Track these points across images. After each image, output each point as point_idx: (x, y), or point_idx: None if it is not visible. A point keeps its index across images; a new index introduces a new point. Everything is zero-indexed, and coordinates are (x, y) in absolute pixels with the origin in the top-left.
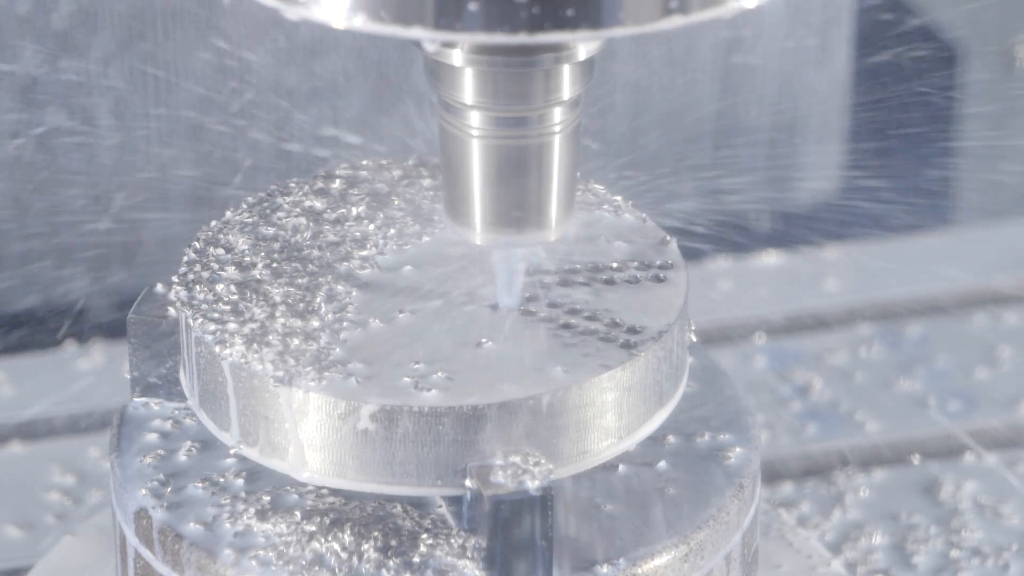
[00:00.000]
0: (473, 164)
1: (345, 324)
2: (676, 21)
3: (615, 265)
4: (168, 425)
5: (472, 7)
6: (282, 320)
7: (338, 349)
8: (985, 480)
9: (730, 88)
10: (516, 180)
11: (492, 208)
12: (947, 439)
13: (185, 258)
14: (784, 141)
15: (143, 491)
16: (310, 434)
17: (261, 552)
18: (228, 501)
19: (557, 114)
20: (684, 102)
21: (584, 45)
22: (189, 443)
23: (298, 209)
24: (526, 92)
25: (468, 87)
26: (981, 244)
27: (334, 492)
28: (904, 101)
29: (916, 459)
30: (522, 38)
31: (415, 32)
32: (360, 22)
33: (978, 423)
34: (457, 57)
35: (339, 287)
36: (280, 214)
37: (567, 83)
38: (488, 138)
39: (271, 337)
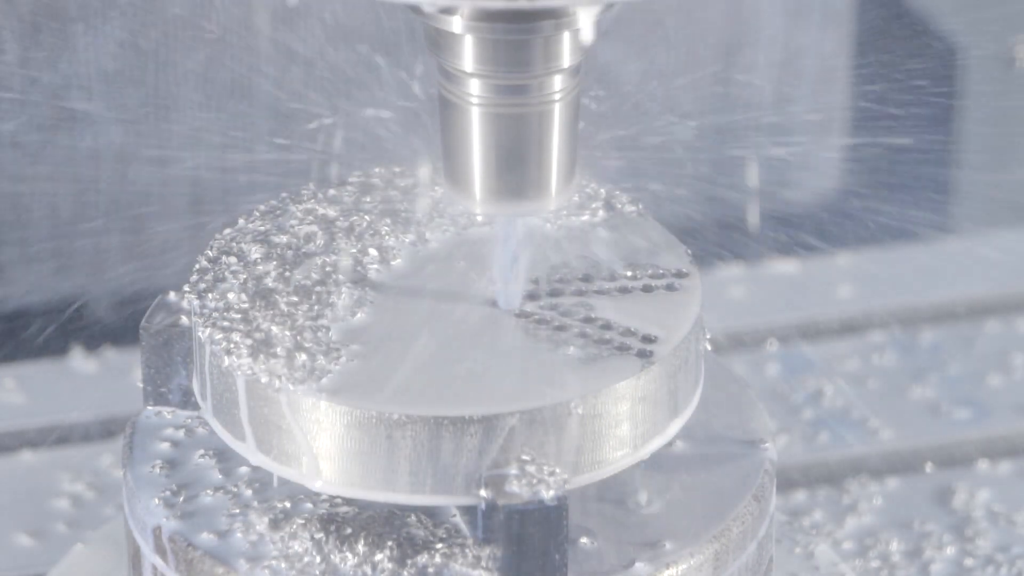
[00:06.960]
0: (473, 132)
1: (357, 333)
2: None
3: (629, 274)
4: (181, 434)
5: None
6: (293, 329)
7: (350, 358)
8: (999, 488)
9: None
10: (516, 148)
11: (492, 176)
12: (960, 446)
13: (197, 266)
14: (785, 144)
15: (156, 500)
16: (323, 443)
17: (274, 562)
18: (241, 511)
19: (557, 82)
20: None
21: (584, 12)
22: (202, 452)
23: (310, 217)
24: (526, 60)
25: (468, 54)
26: (993, 251)
27: (348, 501)
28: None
29: (929, 467)
30: (522, 3)
31: None
32: None
33: (991, 430)
34: (457, 24)
35: (351, 295)
36: (292, 222)
37: (567, 51)
38: (488, 106)
39: (282, 347)
